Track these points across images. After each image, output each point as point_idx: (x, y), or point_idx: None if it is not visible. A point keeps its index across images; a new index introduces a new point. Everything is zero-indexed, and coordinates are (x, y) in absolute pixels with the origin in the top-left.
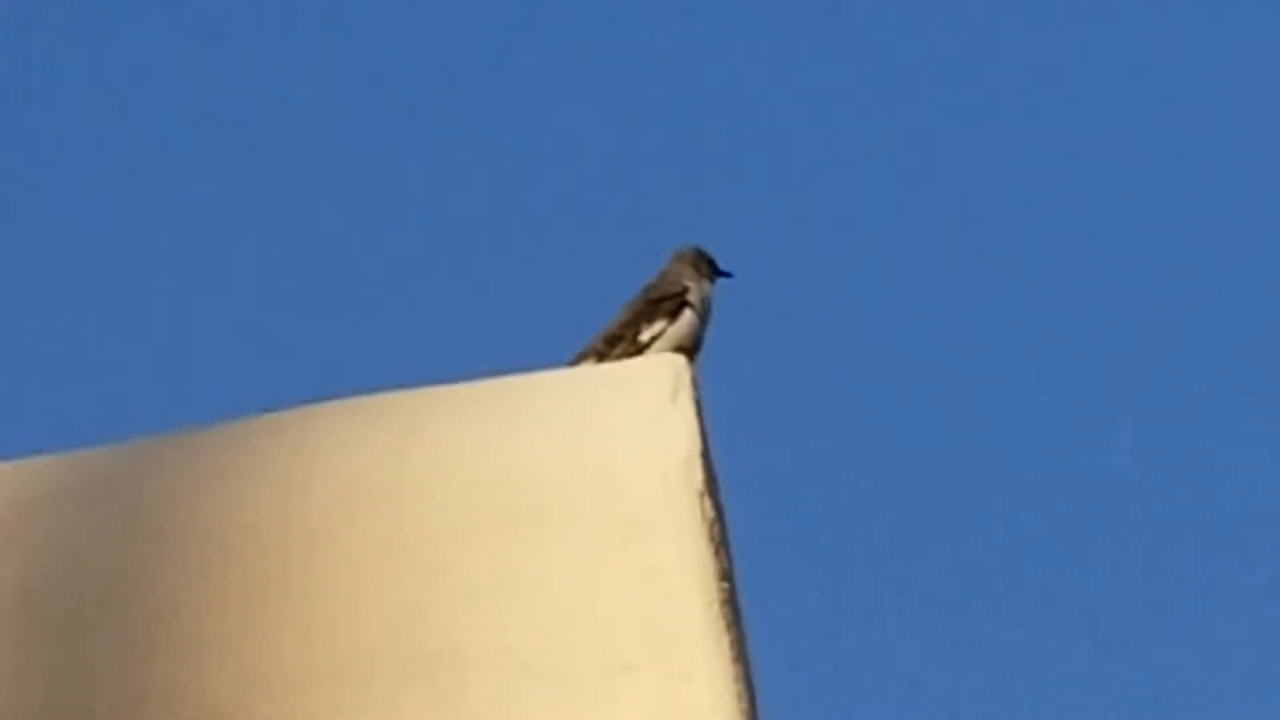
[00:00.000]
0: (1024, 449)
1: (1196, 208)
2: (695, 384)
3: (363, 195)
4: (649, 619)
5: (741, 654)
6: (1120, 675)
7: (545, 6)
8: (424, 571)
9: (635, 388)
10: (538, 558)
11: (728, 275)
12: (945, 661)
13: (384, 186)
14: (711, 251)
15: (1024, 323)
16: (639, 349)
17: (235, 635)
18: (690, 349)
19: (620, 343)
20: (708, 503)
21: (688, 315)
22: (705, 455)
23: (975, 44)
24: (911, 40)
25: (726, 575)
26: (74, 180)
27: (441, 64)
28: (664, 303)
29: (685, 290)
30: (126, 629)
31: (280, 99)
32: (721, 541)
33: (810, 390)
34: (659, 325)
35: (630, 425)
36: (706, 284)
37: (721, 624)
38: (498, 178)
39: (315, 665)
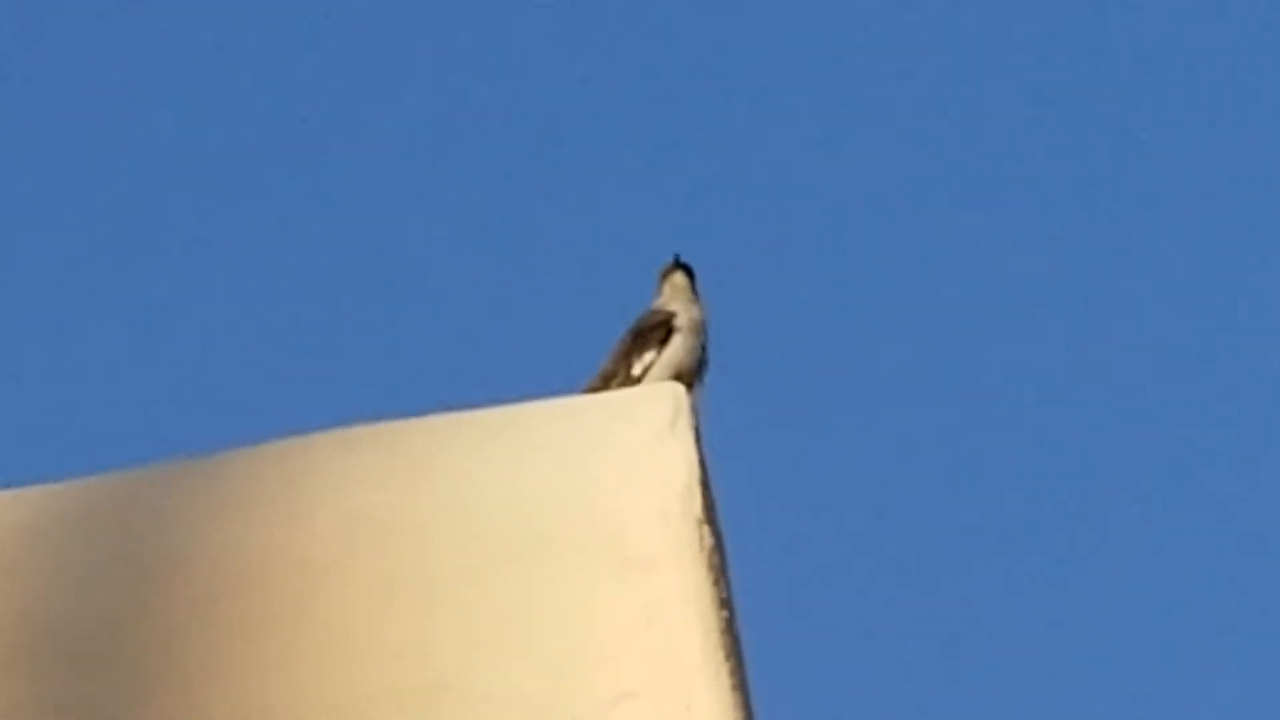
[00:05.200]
0: (1026, 467)
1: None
2: (694, 411)
3: (364, 220)
4: (648, 647)
5: (741, 682)
6: (1120, 675)
7: (547, 37)
8: (425, 603)
9: (633, 417)
10: (537, 587)
11: (685, 264)
12: (948, 684)
13: (386, 212)
14: (687, 257)
15: (1028, 338)
16: (633, 383)
17: (235, 667)
18: (689, 371)
19: (614, 379)
20: (707, 531)
21: (677, 340)
22: (704, 484)
23: (979, 44)
24: (914, 48)
25: (726, 603)
26: (70, 200)
27: (447, 83)
28: (651, 332)
29: (671, 316)
30: (126, 660)
31: (282, 128)
32: (721, 570)
33: (811, 412)
34: (649, 356)
35: (629, 454)
36: (695, 305)
37: (721, 652)
38: (499, 205)
39: (316, 698)
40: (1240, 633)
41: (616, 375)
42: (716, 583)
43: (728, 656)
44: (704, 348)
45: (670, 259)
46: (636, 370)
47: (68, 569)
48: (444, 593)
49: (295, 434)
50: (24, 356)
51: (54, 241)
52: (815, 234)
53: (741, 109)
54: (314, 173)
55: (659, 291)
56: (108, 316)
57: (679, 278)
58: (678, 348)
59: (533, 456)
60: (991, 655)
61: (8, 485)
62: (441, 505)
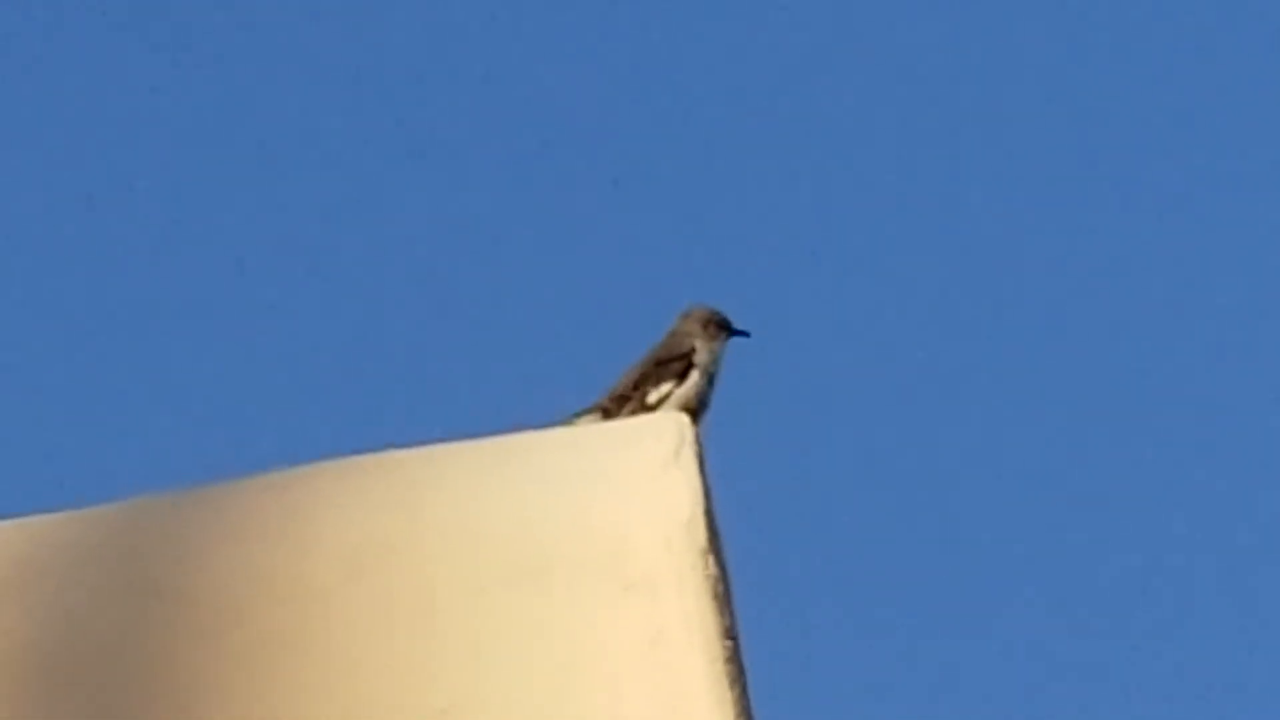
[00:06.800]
0: (1029, 490)
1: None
2: (698, 442)
3: (369, 248)
4: (652, 677)
5: (745, 711)
6: (1119, 676)
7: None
8: (427, 629)
9: (638, 446)
10: (541, 615)
11: (744, 334)
12: (954, 712)
13: (390, 241)
14: (725, 310)
15: (1033, 360)
16: (646, 410)
17: (240, 693)
18: (696, 410)
19: (628, 403)
20: (711, 561)
21: (694, 377)
22: (708, 513)
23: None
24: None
25: (730, 633)
26: (80, 226)
27: (453, 104)
28: (672, 364)
29: (692, 351)
30: (131, 687)
31: (285, 155)
32: (725, 599)
33: (814, 444)
34: (666, 387)
35: (633, 483)
36: (716, 344)
37: (725, 682)
38: (504, 231)
39: None
40: (1239, 637)
41: (630, 400)
42: (720, 612)
43: (732, 686)
44: (709, 390)
45: (703, 305)
46: (653, 398)
47: (73, 597)
48: (447, 619)
49: (303, 462)
50: (26, 386)
51: (53, 265)
52: (820, 264)
53: (739, 133)
54: (319, 199)
55: (680, 324)
56: (111, 345)
57: (707, 318)
58: (694, 384)
59: (537, 484)
60: (995, 679)
61: (12, 515)
62: (445, 532)
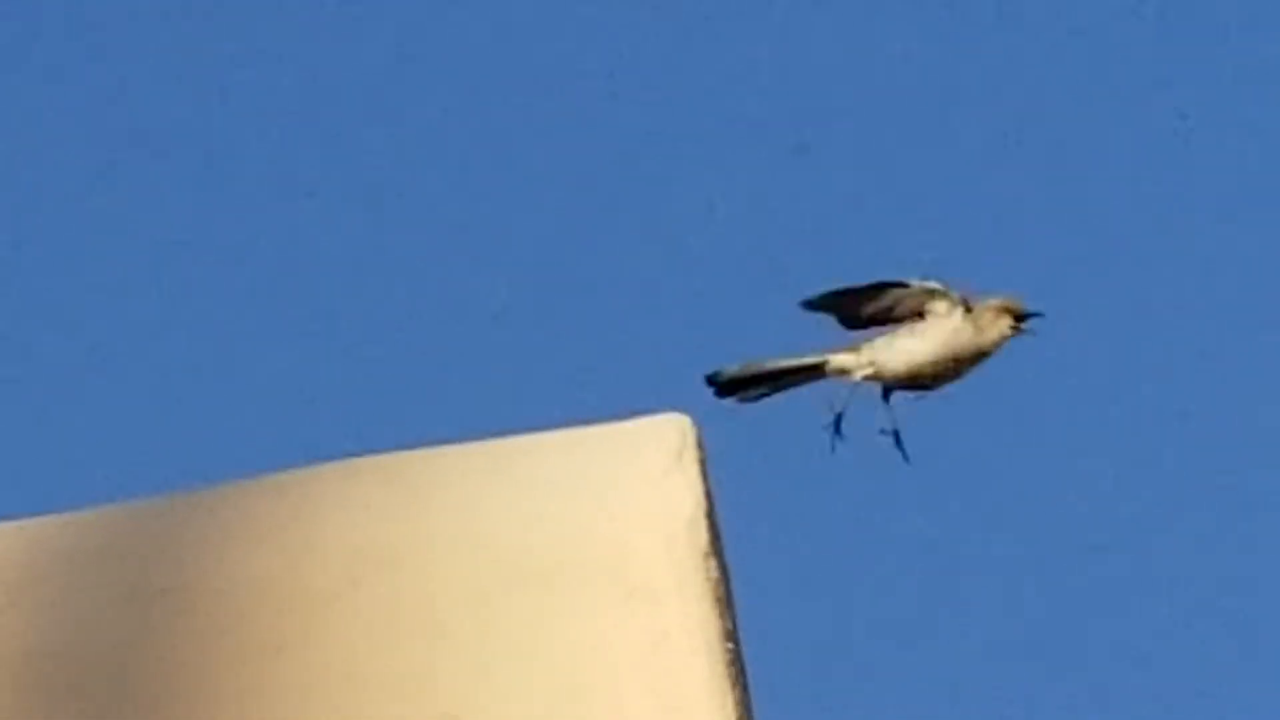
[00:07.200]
0: (1033, 502)
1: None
2: (700, 444)
3: (374, 247)
4: (653, 680)
5: (747, 715)
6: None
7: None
8: (428, 634)
9: (640, 448)
10: (541, 619)
11: (1035, 315)
12: (959, 714)
13: (398, 240)
14: (1024, 302)
15: (1043, 374)
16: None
17: (240, 699)
18: (904, 375)
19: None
20: (713, 563)
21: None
22: (710, 516)
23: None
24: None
25: (731, 636)
26: (66, 221)
27: (473, 101)
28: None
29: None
30: (131, 691)
31: (302, 174)
32: (726, 602)
33: (816, 445)
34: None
35: (635, 486)
36: (970, 327)
37: (726, 685)
38: (507, 229)
39: None
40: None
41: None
42: (722, 615)
43: (733, 689)
44: (928, 365)
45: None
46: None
47: (71, 601)
48: (449, 624)
49: (303, 465)
50: (25, 389)
51: (51, 265)
52: (822, 265)
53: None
54: (324, 197)
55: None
56: (111, 346)
57: (999, 302)
58: (901, 341)
59: (538, 488)
60: (996, 682)
61: (10, 516)
62: (447, 537)
